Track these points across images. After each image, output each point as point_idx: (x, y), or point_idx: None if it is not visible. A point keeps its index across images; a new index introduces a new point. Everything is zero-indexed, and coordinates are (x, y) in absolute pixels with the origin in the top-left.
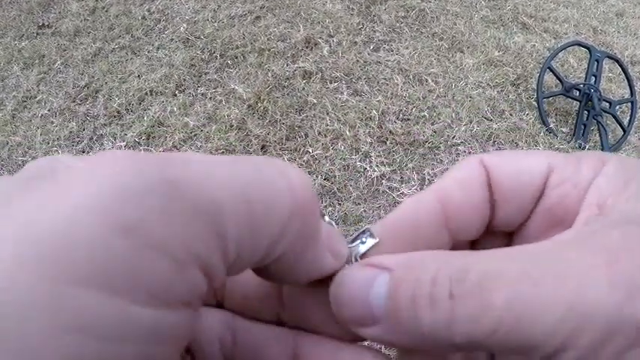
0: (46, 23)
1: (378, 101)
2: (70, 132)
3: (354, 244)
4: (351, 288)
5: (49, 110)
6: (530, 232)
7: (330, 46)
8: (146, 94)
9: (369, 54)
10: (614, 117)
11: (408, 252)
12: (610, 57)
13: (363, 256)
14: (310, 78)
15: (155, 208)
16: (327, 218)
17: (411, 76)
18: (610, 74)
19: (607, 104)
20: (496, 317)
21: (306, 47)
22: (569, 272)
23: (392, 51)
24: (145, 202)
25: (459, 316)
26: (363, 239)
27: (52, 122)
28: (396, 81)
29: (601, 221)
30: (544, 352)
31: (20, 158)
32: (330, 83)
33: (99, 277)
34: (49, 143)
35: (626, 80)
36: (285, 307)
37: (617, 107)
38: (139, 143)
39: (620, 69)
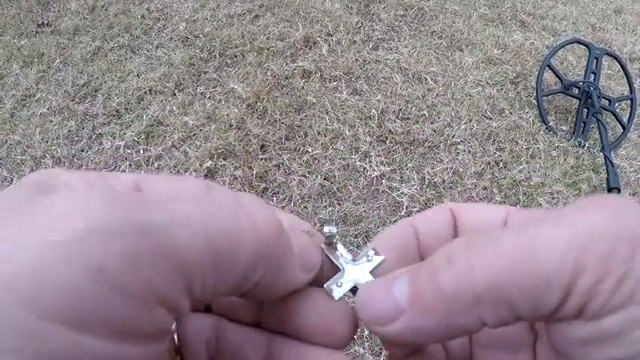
0: (46, 22)
1: (377, 100)
2: (69, 131)
3: (360, 260)
4: (375, 293)
5: (48, 109)
6: None
7: (329, 45)
8: (145, 93)
9: (368, 53)
10: (614, 114)
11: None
12: (609, 54)
13: (373, 271)
14: (309, 77)
15: (122, 253)
16: (326, 229)
17: (410, 75)
18: (609, 71)
19: (606, 102)
20: (510, 254)
21: (305, 46)
22: (561, 213)
23: (391, 49)
24: (113, 246)
25: (476, 262)
26: (369, 257)
27: (51, 121)
28: (395, 80)
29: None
30: (562, 280)
31: (19, 157)
32: (330, 82)
33: (65, 313)
34: (47, 142)
35: (625, 77)
36: (264, 311)
37: (617, 105)
38: (137, 142)
39: (620, 66)
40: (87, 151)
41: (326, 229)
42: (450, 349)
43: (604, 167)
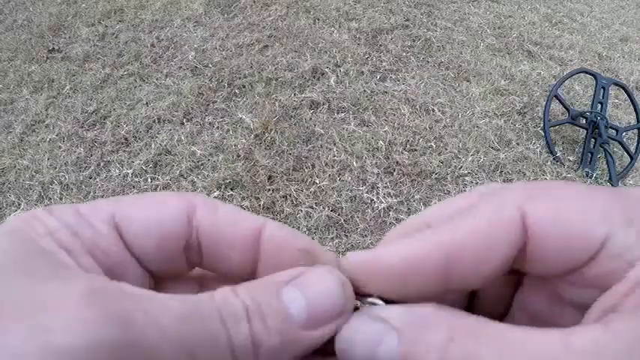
0: (56, 48)
1: (385, 131)
2: (78, 157)
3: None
4: (359, 344)
5: (57, 135)
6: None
7: (337, 76)
8: (154, 121)
9: (375, 84)
10: (621, 144)
11: (411, 303)
12: (616, 84)
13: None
14: (317, 108)
15: None
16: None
17: (417, 106)
18: (616, 100)
19: (614, 131)
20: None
21: (314, 77)
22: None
23: (398, 81)
24: None
25: None
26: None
27: (60, 147)
28: (402, 111)
29: None
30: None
31: (27, 182)
32: (337, 113)
33: None
34: (56, 168)
35: (632, 106)
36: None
37: (624, 134)
38: (145, 171)
39: (627, 95)
40: (95, 178)
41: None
42: None
43: None
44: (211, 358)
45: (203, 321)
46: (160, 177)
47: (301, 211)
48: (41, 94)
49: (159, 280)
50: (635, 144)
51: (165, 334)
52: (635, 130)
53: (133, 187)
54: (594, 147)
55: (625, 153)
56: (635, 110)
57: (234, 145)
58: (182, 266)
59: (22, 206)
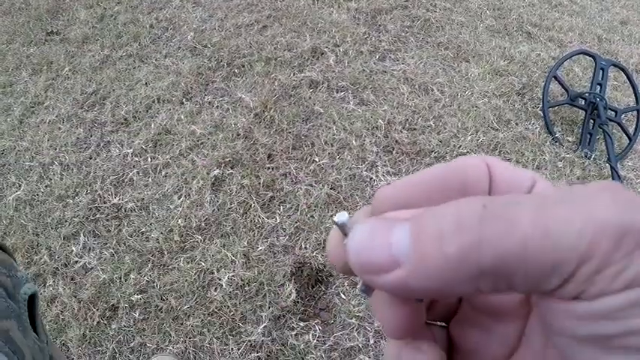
0: (55, 30)
1: (384, 110)
2: (78, 138)
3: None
4: (370, 234)
5: (56, 116)
6: None
7: (337, 56)
8: (153, 101)
9: (375, 63)
10: (620, 125)
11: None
12: (615, 65)
13: None
14: (317, 87)
15: None
16: (336, 218)
17: (416, 86)
18: (615, 82)
19: (613, 113)
20: (524, 233)
21: (313, 57)
22: (578, 198)
23: (398, 60)
24: None
25: (487, 235)
26: None
27: (60, 128)
28: (401, 90)
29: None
30: (568, 267)
31: (27, 163)
32: (337, 92)
33: None
34: (56, 149)
35: (631, 88)
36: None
37: (623, 116)
38: (145, 150)
39: (626, 77)
40: (95, 159)
41: (336, 218)
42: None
43: (610, 178)
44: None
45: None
46: (159, 156)
47: (301, 189)
48: (40, 77)
49: None
50: (634, 125)
51: None
52: (634, 112)
53: (133, 166)
54: (593, 128)
55: (624, 134)
56: (635, 92)
57: (234, 124)
58: None
59: (22, 187)
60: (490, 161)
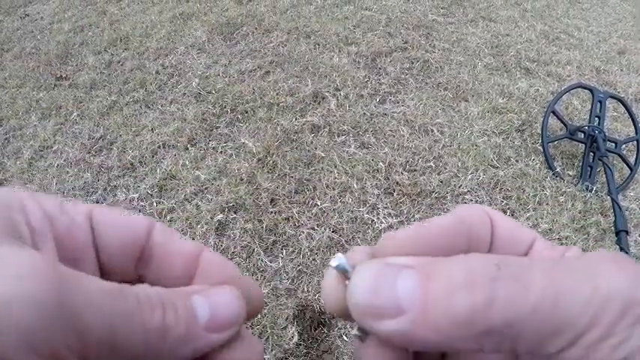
0: (64, 75)
1: (384, 153)
2: (85, 182)
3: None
4: (375, 278)
5: (64, 160)
6: None
7: (338, 100)
8: (159, 147)
9: (375, 106)
10: (621, 156)
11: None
12: (613, 97)
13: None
14: (318, 132)
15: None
16: (333, 262)
17: (416, 127)
18: (615, 113)
19: (613, 144)
20: (536, 298)
21: (314, 101)
22: (586, 267)
23: (398, 102)
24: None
25: (500, 296)
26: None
27: (68, 172)
28: (402, 132)
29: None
30: (574, 332)
31: None
32: (338, 136)
33: None
34: (64, 193)
35: (630, 119)
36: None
37: (623, 146)
38: (151, 195)
39: (624, 108)
40: (101, 203)
41: (334, 263)
42: None
43: (612, 210)
44: (126, 334)
45: (124, 298)
46: (164, 201)
47: (303, 232)
48: (49, 121)
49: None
50: (635, 156)
51: (92, 302)
52: (634, 142)
53: (139, 210)
54: (593, 161)
55: (625, 165)
56: (634, 122)
57: (237, 169)
58: (130, 272)
59: None
60: (493, 215)
